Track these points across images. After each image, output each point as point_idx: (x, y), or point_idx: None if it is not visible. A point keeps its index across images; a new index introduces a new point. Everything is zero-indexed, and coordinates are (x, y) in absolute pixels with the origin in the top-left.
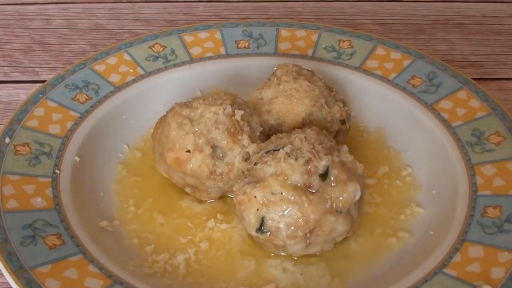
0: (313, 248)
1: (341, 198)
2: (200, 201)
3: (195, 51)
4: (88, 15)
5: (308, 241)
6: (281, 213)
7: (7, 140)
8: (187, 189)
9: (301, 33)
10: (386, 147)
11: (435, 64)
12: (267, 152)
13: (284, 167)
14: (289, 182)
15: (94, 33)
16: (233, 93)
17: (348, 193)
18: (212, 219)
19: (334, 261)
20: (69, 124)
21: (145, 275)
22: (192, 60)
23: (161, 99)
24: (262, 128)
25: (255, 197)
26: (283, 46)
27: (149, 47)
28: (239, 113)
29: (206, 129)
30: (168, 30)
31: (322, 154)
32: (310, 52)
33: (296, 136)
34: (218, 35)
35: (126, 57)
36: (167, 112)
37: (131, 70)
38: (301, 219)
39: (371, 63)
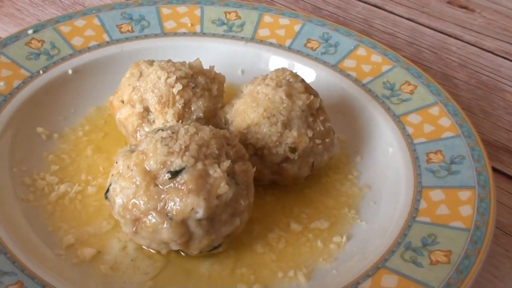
0: (141, 239)
1: (176, 205)
2: None
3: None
4: None
5: (134, 228)
6: (121, 189)
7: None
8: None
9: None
10: (350, 207)
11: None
12: (158, 130)
13: (149, 148)
14: (144, 164)
15: None
16: (214, 74)
17: (185, 204)
18: None
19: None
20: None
21: (20, 183)
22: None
23: None
24: (202, 115)
25: (117, 163)
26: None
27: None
28: (178, 87)
29: (144, 88)
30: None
31: (189, 154)
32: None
33: (187, 127)
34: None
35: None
36: None
37: None
38: (131, 203)
39: (412, 118)
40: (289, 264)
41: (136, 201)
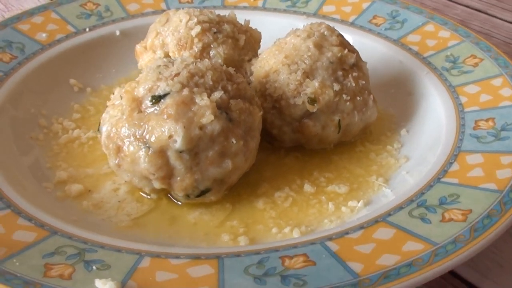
0: (124, 174)
1: (154, 132)
2: None
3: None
4: None
5: (117, 160)
6: (109, 117)
7: None
8: None
9: None
10: (380, 176)
11: None
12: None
13: (142, 76)
14: (134, 92)
15: None
16: (247, 27)
17: (162, 131)
18: None
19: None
20: None
21: (34, 123)
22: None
23: None
24: (221, 62)
25: (113, 94)
26: None
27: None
28: (196, 29)
29: (167, 33)
30: None
31: (177, 79)
32: None
33: (186, 57)
34: None
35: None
36: None
37: None
38: (113, 131)
39: (470, 88)
40: (288, 223)
41: (119, 129)
